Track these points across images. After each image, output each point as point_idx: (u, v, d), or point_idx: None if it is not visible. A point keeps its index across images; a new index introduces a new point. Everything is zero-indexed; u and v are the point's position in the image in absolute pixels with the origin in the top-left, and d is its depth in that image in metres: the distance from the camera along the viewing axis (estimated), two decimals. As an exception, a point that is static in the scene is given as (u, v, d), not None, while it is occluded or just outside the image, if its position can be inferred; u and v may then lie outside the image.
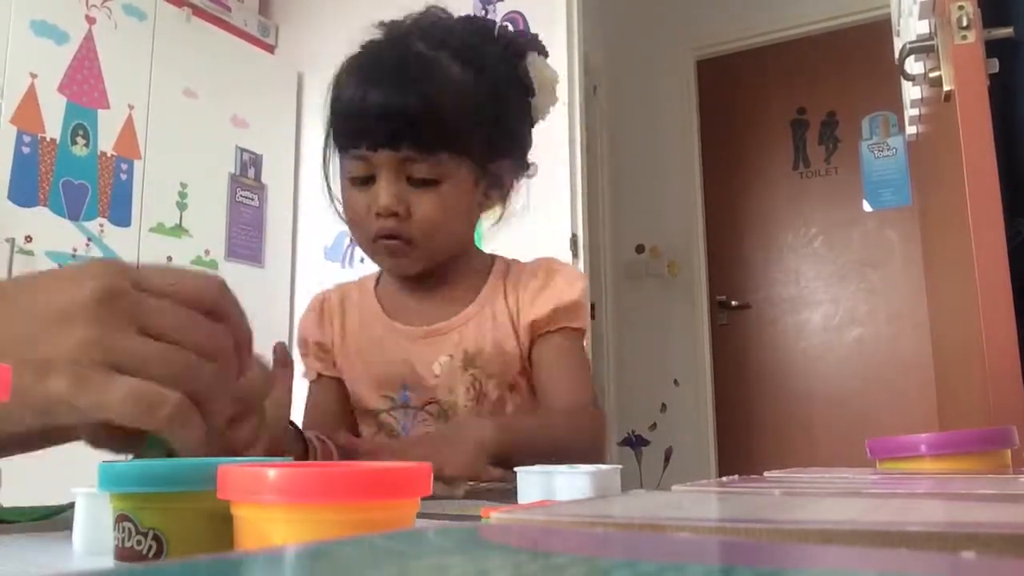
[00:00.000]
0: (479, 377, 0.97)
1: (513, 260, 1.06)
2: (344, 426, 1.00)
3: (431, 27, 0.95)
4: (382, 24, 0.98)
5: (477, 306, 0.99)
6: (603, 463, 0.98)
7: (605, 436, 1.00)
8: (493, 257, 1.06)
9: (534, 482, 0.58)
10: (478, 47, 0.95)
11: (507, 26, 1.00)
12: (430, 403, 0.98)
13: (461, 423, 0.94)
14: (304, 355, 1.04)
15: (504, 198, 1.02)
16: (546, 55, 1.01)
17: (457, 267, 1.01)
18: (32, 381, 0.41)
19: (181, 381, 0.44)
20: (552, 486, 0.57)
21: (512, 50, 0.98)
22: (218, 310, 0.48)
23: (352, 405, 1.03)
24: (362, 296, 1.05)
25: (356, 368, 1.01)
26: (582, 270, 2.78)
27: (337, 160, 0.98)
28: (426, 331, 0.98)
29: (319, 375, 1.03)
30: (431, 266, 0.97)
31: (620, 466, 0.63)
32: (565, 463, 0.85)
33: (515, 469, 0.60)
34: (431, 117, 0.88)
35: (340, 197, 0.99)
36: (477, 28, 0.99)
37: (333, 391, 1.02)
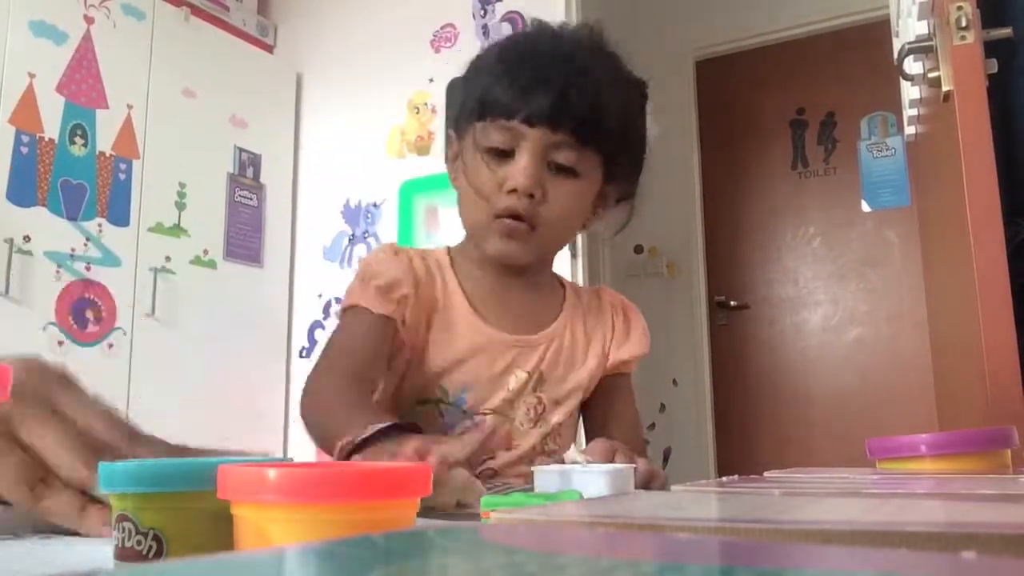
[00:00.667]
0: (545, 401, 0.95)
1: (572, 283, 1.07)
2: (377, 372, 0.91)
3: (596, 38, 0.96)
4: (540, 22, 0.97)
5: (559, 327, 0.98)
6: None
7: None
8: (555, 275, 1.05)
9: (552, 480, 0.58)
10: (625, 73, 0.96)
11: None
12: (485, 412, 0.94)
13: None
14: (385, 291, 0.91)
15: (602, 219, 1.01)
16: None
17: (542, 275, 1.00)
18: None
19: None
20: (570, 484, 0.57)
21: (643, 90, 1.00)
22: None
23: (395, 379, 0.95)
24: (443, 278, 0.96)
25: (425, 353, 0.93)
26: (581, 270, 2.78)
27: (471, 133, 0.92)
28: (512, 341, 0.94)
29: (389, 315, 0.90)
30: (540, 261, 0.95)
31: (635, 466, 0.63)
32: None
33: (532, 468, 0.61)
34: (597, 108, 0.87)
35: (468, 163, 0.92)
36: (619, 60, 0.99)
37: (389, 339, 0.91)
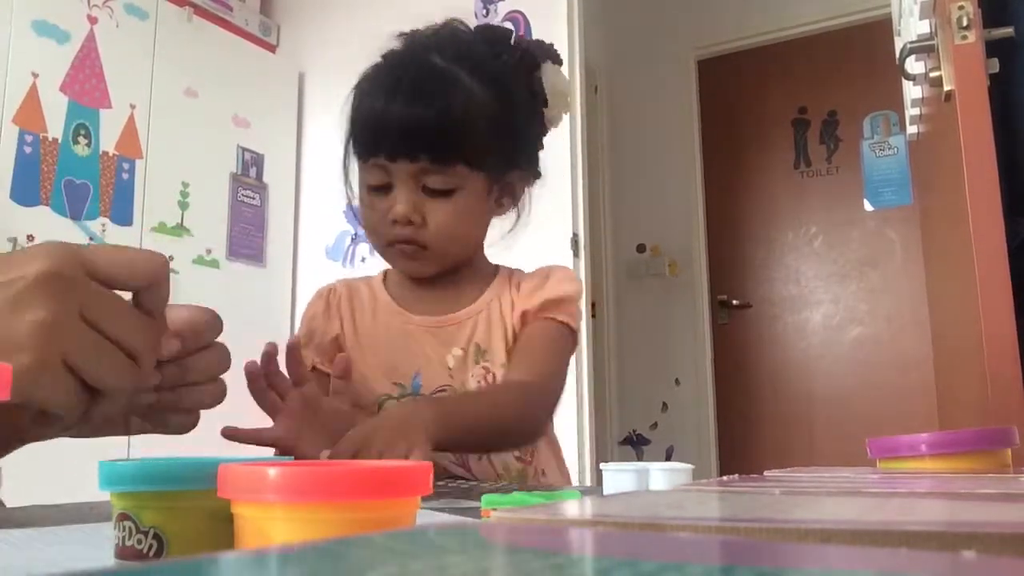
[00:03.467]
0: (491, 369, 1.00)
1: (518, 268, 1.11)
2: None
3: (450, 40, 1.00)
4: (402, 35, 1.03)
5: (484, 303, 1.04)
6: (538, 439, 1.01)
7: (551, 412, 1.02)
8: (498, 265, 1.11)
9: (627, 480, 0.58)
10: (494, 61, 0.98)
11: (521, 35, 1.05)
12: (438, 391, 1.01)
13: (402, 406, 0.97)
14: (304, 344, 1.01)
15: (516, 205, 1.06)
16: (560, 63, 1.04)
17: (467, 268, 1.05)
18: None
19: (114, 380, 0.48)
20: (646, 485, 0.57)
21: (527, 61, 1.01)
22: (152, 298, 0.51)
23: (353, 400, 0.99)
24: (372, 291, 1.08)
25: (367, 359, 1.02)
26: (583, 270, 2.78)
27: (355, 166, 1.02)
28: (439, 321, 1.02)
29: (313, 367, 1.00)
30: (444, 269, 1.02)
31: (692, 466, 0.64)
32: (508, 444, 0.86)
33: (601, 467, 0.62)
34: (447, 131, 0.91)
35: (359, 201, 1.03)
36: (495, 39, 1.02)
37: (324, 386, 0.97)
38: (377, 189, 0.96)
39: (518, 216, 1.08)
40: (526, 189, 1.07)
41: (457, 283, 1.05)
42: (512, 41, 1.03)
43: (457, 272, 1.04)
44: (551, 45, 1.05)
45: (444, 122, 0.91)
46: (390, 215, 0.94)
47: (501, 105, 0.96)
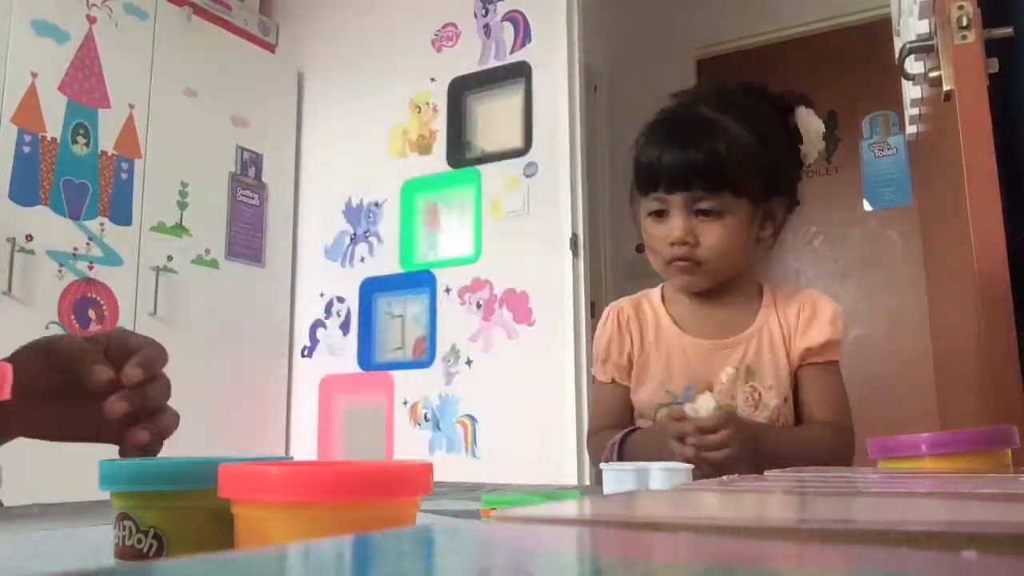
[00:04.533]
0: (758, 388, 1.13)
1: (775, 286, 1.25)
2: (624, 427, 1.16)
3: (715, 95, 1.17)
4: (673, 95, 1.21)
5: (756, 327, 1.16)
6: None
7: (853, 451, 1.14)
8: (760, 284, 1.24)
9: (627, 479, 0.59)
10: (753, 107, 1.15)
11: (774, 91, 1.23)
12: None
13: (745, 418, 1.10)
14: (603, 361, 1.21)
15: (777, 230, 1.19)
16: (811, 107, 1.20)
17: (736, 288, 1.19)
18: None
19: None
20: (646, 484, 0.58)
21: (782, 106, 1.18)
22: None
23: (634, 408, 1.20)
24: (654, 311, 1.22)
25: (649, 371, 1.18)
26: (582, 270, 2.78)
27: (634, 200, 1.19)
28: (715, 344, 1.16)
29: (613, 380, 1.20)
30: (716, 283, 1.15)
31: (691, 466, 0.64)
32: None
33: (601, 466, 0.66)
34: (714, 166, 1.07)
35: (642, 228, 1.19)
36: (752, 90, 1.19)
37: (622, 396, 1.20)
38: (656, 215, 1.12)
39: (774, 240, 1.21)
40: (787, 216, 1.21)
41: (728, 306, 1.18)
42: (767, 90, 1.20)
43: (727, 293, 1.18)
44: (804, 94, 1.21)
45: (711, 159, 1.07)
46: (668, 238, 1.10)
47: (759, 142, 1.11)
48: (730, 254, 1.12)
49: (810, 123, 1.18)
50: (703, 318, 1.19)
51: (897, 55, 1.56)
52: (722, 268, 1.13)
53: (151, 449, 0.66)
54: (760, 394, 1.14)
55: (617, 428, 1.14)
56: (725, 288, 1.18)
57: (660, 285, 1.26)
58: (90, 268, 2.56)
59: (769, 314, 1.18)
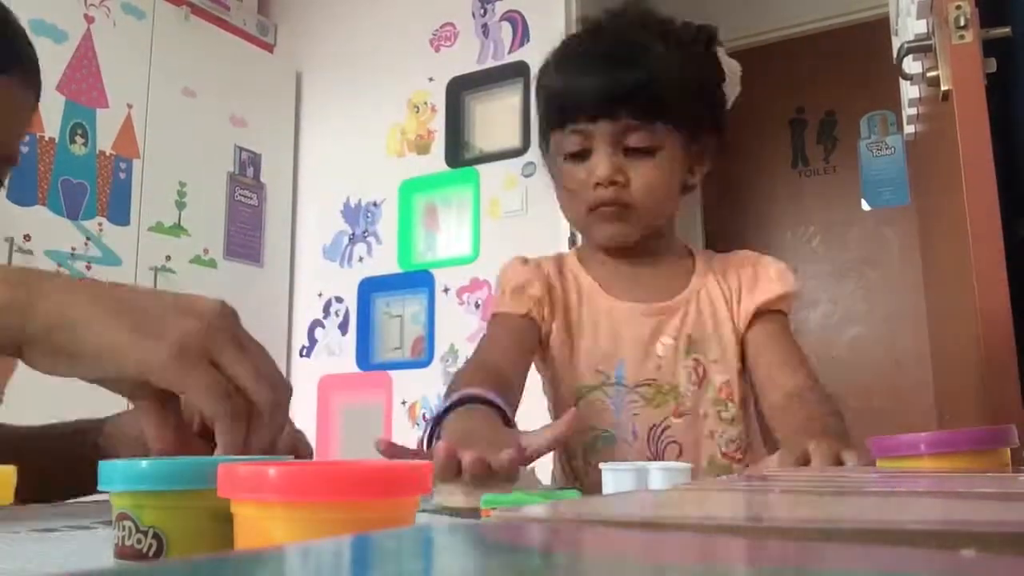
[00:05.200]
0: (703, 362, 0.99)
1: (708, 251, 1.10)
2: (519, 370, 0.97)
3: (636, 13, 1.02)
4: (586, 19, 1.06)
5: (692, 290, 1.02)
6: None
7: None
8: (688, 246, 1.10)
9: (627, 480, 0.59)
10: (680, 31, 1.01)
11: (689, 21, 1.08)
12: (643, 384, 0.99)
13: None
14: (517, 290, 1.01)
15: (699, 178, 1.05)
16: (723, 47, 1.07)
17: (664, 246, 1.05)
18: (134, 339, 0.50)
19: (252, 383, 0.54)
20: (646, 484, 0.57)
21: (705, 34, 1.04)
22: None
23: (553, 385, 1.03)
24: (573, 273, 1.05)
25: (573, 346, 1.01)
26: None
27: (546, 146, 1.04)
28: (648, 308, 1.00)
29: (528, 313, 1.00)
30: (647, 234, 1.00)
31: (691, 465, 0.64)
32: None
33: (601, 466, 0.62)
34: (647, 88, 0.93)
35: (556, 175, 1.03)
36: (676, 20, 1.05)
37: (527, 340, 1.00)
38: (576, 156, 0.97)
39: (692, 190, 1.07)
40: (711, 162, 1.06)
41: (657, 266, 1.04)
42: (689, 22, 1.06)
43: (655, 253, 1.03)
44: (716, 28, 1.08)
45: (643, 80, 0.93)
46: (592, 178, 0.95)
47: (692, 67, 0.98)
48: (664, 198, 0.98)
49: (729, 63, 1.06)
50: (630, 279, 1.02)
51: (895, 55, 1.56)
52: (654, 214, 0.98)
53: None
54: (704, 369, 0.98)
55: (489, 386, 0.84)
56: (652, 246, 1.02)
57: (574, 248, 1.11)
58: (88, 268, 2.56)
59: (706, 278, 1.03)
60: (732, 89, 1.07)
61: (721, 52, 1.05)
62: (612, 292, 1.02)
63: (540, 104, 1.03)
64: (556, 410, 1.03)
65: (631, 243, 1.00)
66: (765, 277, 1.02)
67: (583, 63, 0.97)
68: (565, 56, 1.01)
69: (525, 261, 1.05)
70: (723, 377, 0.99)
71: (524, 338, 1.00)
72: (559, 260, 1.06)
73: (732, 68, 1.06)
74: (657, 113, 0.94)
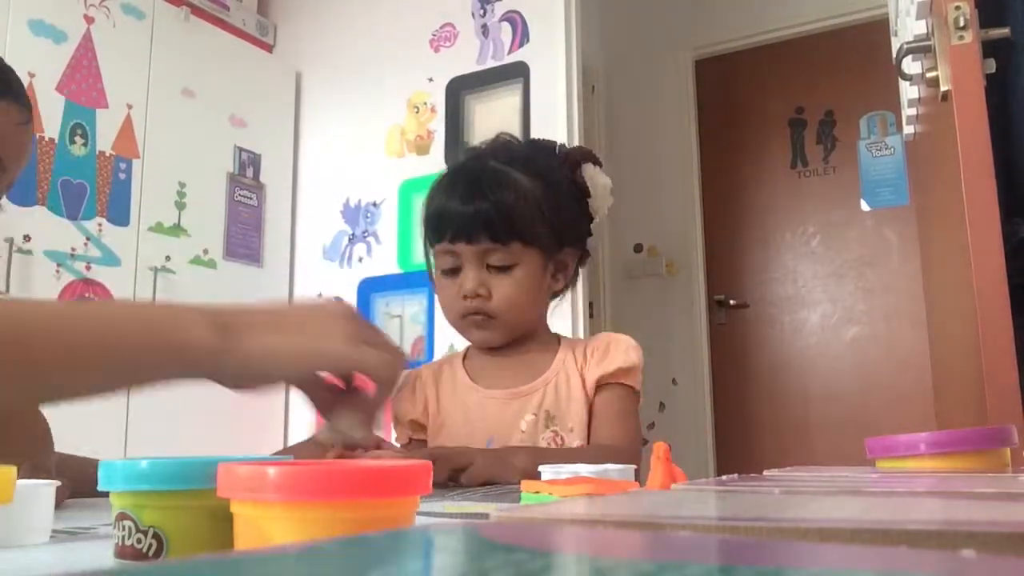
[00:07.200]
0: (560, 432, 1.13)
1: (575, 338, 1.29)
2: None
3: (502, 148, 1.20)
4: (465, 150, 1.24)
5: (552, 372, 1.17)
6: None
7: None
8: (559, 336, 1.25)
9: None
10: (540, 160, 1.18)
11: (564, 144, 1.28)
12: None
13: (505, 448, 1.09)
14: (397, 425, 1.22)
15: (568, 280, 1.22)
16: (600, 165, 1.23)
17: (533, 341, 1.20)
18: (312, 344, 0.61)
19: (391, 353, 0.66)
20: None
21: (570, 161, 1.20)
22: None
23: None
24: (452, 370, 1.23)
25: (447, 428, 1.18)
26: (580, 272, 2.78)
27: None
28: (511, 393, 1.16)
29: (411, 439, 1.20)
30: (511, 338, 1.17)
31: (635, 466, 0.66)
32: None
33: (540, 468, 0.67)
34: (503, 215, 1.09)
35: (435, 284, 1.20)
36: (541, 147, 1.23)
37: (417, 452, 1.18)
38: (448, 272, 1.13)
39: (567, 291, 1.23)
40: (578, 268, 1.24)
41: (525, 355, 1.19)
42: (556, 148, 1.23)
43: (524, 346, 1.19)
44: (591, 151, 1.25)
45: (499, 208, 1.08)
46: (461, 292, 1.11)
47: (547, 192, 1.13)
48: (523, 307, 1.13)
49: (597, 178, 1.20)
50: (499, 370, 1.19)
51: (894, 55, 1.56)
52: (516, 321, 1.14)
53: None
54: (563, 438, 1.13)
55: None
56: (522, 341, 1.18)
57: (464, 348, 1.27)
58: (88, 268, 2.56)
59: (565, 358, 1.18)
60: (603, 202, 1.22)
61: (593, 170, 1.20)
62: (481, 382, 1.19)
63: (421, 224, 1.18)
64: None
65: (497, 345, 1.17)
66: (614, 351, 1.16)
67: (452, 192, 1.12)
68: (440, 185, 1.16)
69: (403, 382, 1.22)
70: (579, 441, 1.13)
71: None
72: (441, 363, 1.26)
73: (600, 182, 1.21)
74: (511, 236, 1.09)
